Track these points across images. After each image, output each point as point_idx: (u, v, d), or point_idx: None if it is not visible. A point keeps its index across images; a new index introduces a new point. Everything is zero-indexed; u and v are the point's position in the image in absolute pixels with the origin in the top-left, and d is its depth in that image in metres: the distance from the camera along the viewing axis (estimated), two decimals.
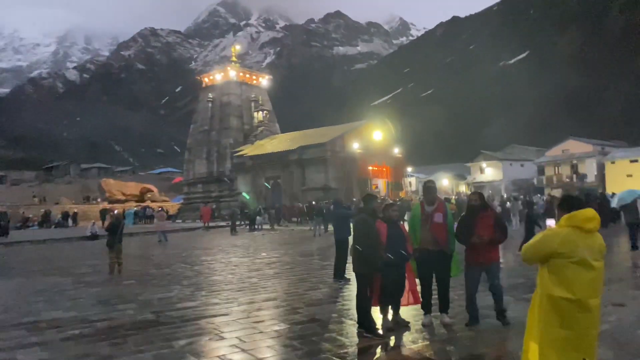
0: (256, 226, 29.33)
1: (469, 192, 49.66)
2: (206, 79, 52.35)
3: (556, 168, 49.40)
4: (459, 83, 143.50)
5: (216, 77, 51.00)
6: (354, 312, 6.81)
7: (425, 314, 6.19)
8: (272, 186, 40.69)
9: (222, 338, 5.83)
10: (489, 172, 54.83)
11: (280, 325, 6.30)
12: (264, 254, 15.81)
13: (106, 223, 35.13)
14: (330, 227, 25.83)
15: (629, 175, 40.84)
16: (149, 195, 55.81)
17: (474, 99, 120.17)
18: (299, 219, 33.62)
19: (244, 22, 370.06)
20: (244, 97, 49.15)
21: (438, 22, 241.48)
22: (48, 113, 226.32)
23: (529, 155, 56.65)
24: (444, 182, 59.05)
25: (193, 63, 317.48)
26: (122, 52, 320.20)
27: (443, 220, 6.16)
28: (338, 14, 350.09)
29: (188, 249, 18.67)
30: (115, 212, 14.97)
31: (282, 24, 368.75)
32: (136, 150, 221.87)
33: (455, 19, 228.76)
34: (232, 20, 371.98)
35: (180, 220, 43.72)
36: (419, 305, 6.29)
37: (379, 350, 5.21)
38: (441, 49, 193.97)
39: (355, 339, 5.56)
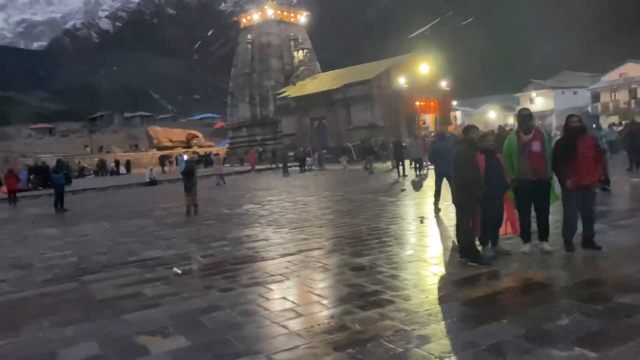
0: (306, 167, 29.65)
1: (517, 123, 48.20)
2: (244, 20, 51.49)
3: (613, 94, 47.02)
4: (501, 8, 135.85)
5: (254, 17, 50.08)
6: (449, 243, 6.93)
7: (524, 242, 6.22)
8: (317, 126, 40.58)
9: (327, 269, 6.06)
10: (539, 101, 52.78)
11: (379, 257, 6.47)
12: (326, 192, 16.06)
13: (166, 168, 36.53)
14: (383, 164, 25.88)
15: None
16: (195, 141, 56.89)
17: (518, 24, 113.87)
18: (348, 159, 33.66)
19: None
20: (283, 37, 48.30)
21: None
22: (86, 64, 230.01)
23: (582, 82, 53.94)
24: (491, 114, 57.47)
25: (223, 4, 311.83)
26: None
27: (541, 149, 6.06)
28: None
29: (249, 190, 19.14)
30: (185, 157, 15.38)
31: None
32: (174, 97, 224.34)
33: None
34: None
35: (228, 165, 44.62)
36: (516, 235, 6.33)
37: (489, 277, 5.30)
38: None
39: (461, 268, 5.67)
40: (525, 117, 6.18)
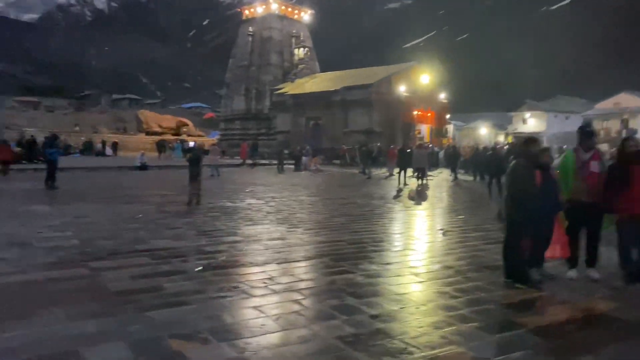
0: (301, 166, 29.13)
1: (511, 140, 48.28)
2: (246, 12, 50.79)
3: (604, 122, 47.60)
4: (497, 28, 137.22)
5: (257, 10, 49.41)
6: (486, 261, 6.53)
7: (570, 267, 5.85)
8: (312, 126, 40.09)
9: (362, 277, 5.59)
10: (531, 122, 53.10)
11: (413, 269, 6.04)
12: (329, 194, 15.60)
13: (163, 155, 35.42)
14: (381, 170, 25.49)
15: None
16: (185, 129, 55.92)
17: (514, 44, 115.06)
18: (343, 162, 33.29)
19: None
20: (285, 33, 47.74)
21: None
22: (76, 41, 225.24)
23: (576, 107, 54.50)
24: (482, 130, 57.68)
25: None
26: None
27: (600, 169, 5.72)
28: None
29: (246, 184, 18.54)
30: (192, 144, 14.77)
31: None
32: (163, 83, 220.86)
33: None
34: None
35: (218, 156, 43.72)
36: (558, 258, 5.95)
37: (545, 303, 4.90)
38: None
39: (509, 290, 5.25)
40: (587, 133, 5.82)
